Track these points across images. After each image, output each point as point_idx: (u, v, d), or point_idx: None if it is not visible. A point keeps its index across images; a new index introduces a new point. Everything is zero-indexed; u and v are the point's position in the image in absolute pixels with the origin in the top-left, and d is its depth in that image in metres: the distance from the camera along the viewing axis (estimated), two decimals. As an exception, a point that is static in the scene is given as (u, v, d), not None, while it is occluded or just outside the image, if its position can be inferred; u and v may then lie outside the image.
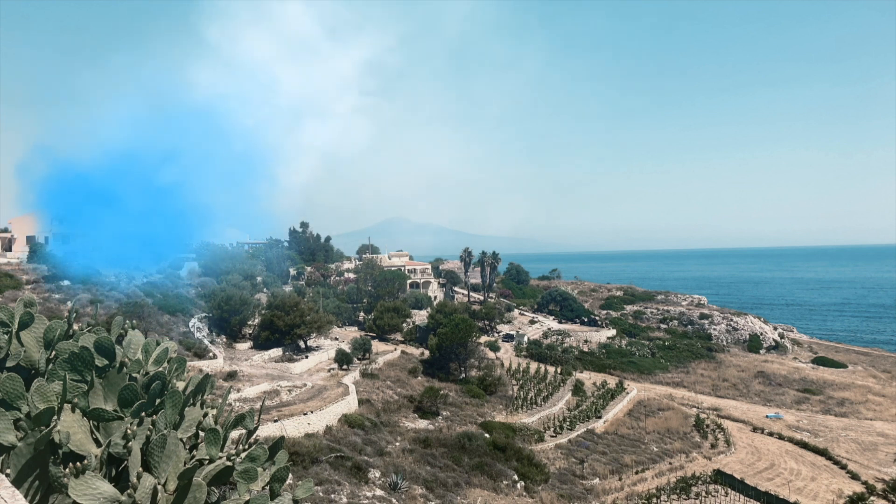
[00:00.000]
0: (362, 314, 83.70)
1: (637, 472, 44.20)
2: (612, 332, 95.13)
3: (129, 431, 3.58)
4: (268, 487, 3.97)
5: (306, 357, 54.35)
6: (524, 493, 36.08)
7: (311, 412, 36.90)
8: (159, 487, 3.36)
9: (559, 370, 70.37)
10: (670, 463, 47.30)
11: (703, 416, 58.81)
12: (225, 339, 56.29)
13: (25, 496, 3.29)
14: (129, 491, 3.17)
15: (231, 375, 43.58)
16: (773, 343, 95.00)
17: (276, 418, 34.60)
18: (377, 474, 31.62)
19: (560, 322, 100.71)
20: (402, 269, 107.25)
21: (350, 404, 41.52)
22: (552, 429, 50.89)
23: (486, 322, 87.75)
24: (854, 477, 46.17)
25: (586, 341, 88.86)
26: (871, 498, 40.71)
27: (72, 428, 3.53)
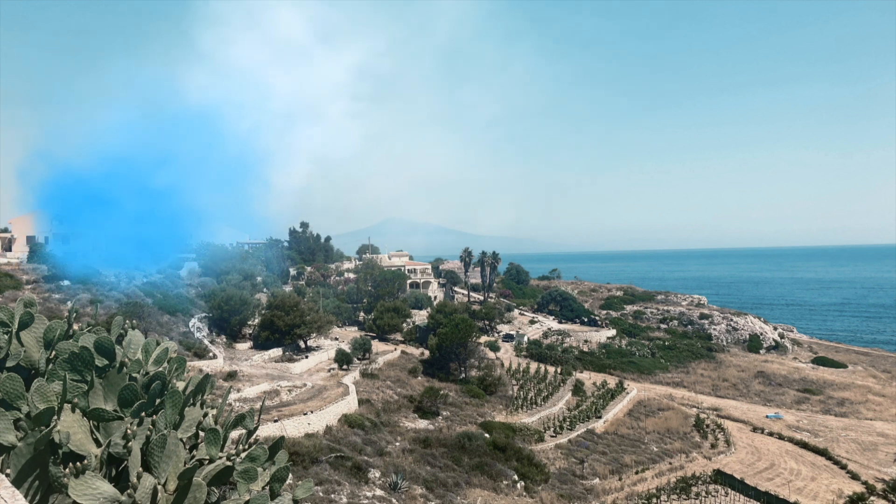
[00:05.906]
0: (362, 314, 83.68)
1: (637, 472, 44.21)
2: (612, 332, 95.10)
3: (129, 431, 3.58)
4: (268, 487, 3.98)
5: (306, 357, 54.33)
6: (524, 493, 36.08)
7: (311, 412, 36.90)
8: (159, 487, 3.36)
9: (559, 370, 70.36)
10: (670, 463, 47.30)
11: (703, 416, 58.80)
12: (225, 339, 56.29)
13: (25, 496, 3.28)
14: (129, 491, 3.17)
15: (231, 375, 43.58)
16: (773, 343, 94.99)
17: (276, 418, 34.60)
18: (377, 474, 31.62)
19: (560, 322, 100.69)
20: (402, 269, 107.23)
21: (350, 404, 41.52)
22: (552, 429, 50.89)
23: (486, 322, 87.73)
24: (854, 477, 46.18)
25: (586, 341, 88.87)
26: (871, 498, 40.72)
27: (72, 428, 3.53)
